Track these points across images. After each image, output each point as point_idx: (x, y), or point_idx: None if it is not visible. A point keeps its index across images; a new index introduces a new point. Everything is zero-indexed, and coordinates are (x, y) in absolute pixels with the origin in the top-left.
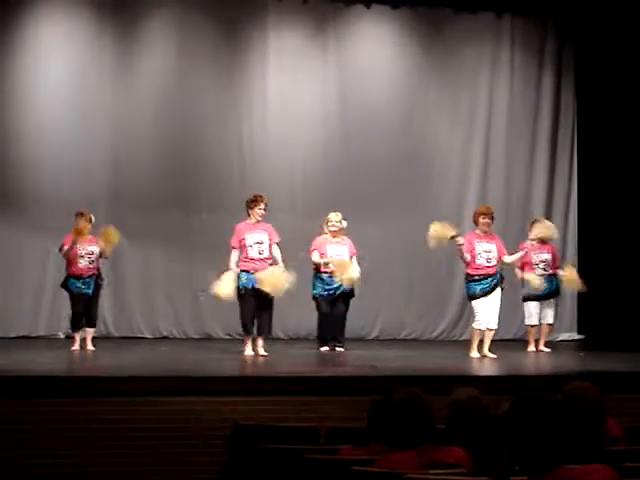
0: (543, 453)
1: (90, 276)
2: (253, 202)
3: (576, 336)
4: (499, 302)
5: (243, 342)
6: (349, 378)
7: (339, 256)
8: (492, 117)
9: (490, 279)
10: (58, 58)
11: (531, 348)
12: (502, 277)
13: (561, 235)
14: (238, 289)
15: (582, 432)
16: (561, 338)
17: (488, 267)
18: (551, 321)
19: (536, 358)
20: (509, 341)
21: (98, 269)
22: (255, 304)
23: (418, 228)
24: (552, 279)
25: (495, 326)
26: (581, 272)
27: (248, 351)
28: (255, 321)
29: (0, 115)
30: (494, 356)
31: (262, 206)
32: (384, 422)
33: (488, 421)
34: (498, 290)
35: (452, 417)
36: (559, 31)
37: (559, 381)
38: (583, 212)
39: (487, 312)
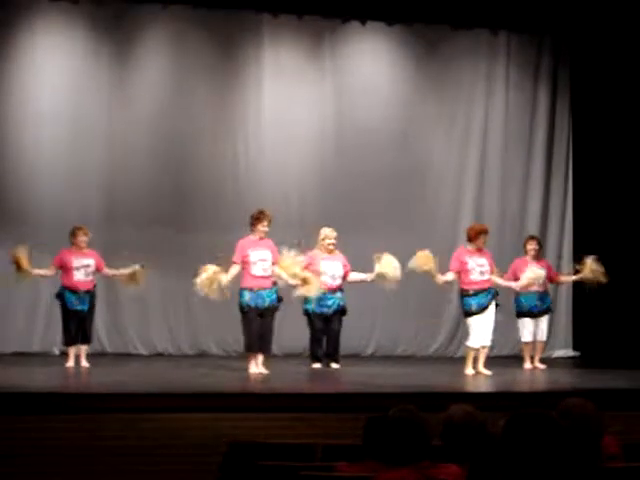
0: (539, 471)
1: (86, 292)
2: (257, 219)
3: (571, 353)
4: (493, 319)
5: (247, 360)
6: (345, 395)
7: (333, 273)
8: (487, 133)
9: (486, 294)
10: (53, 74)
11: (527, 365)
12: (497, 292)
13: (556, 251)
14: (242, 307)
15: (579, 449)
16: (556, 355)
17: (483, 281)
18: (544, 338)
19: (531, 375)
20: (504, 358)
21: (94, 284)
22: (259, 322)
23: (413, 244)
24: (545, 296)
25: (489, 343)
26: (576, 289)
27: (253, 369)
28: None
29: None
30: (489, 373)
31: (265, 223)
32: (379, 439)
33: (484, 438)
34: (492, 307)
35: (447, 434)
36: (555, 48)
37: (555, 398)
38: (578, 228)
39: (482, 330)
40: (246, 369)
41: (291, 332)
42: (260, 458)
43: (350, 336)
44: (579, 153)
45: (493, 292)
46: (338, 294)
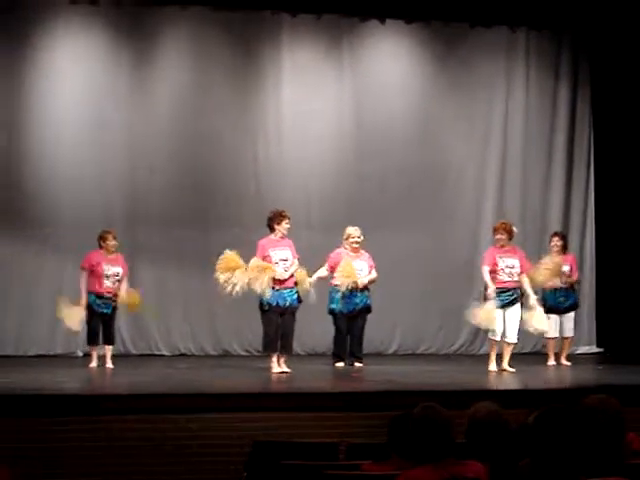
0: (565, 466)
1: (112, 296)
2: (279, 217)
3: (595, 349)
4: (519, 317)
5: (269, 359)
6: (369, 394)
7: (359, 271)
8: (508, 131)
9: (510, 293)
10: (74, 76)
11: (551, 362)
12: (522, 293)
13: (578, 248)
14: (262, 306)
15: (602, 445)
16: (580, 351)
17: (509, 282)
18: (570, 334)
19: (555, 372)
20: (528, 354)
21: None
22: (279, 322)
23: (435, 242)
24: (570, 292)
25: (514, 340)
26: (599, 285)
27: (275, 368)
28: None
29: (17, 134)
30: (513, 370)
31: (287, 221)
32: (404, 437)
33: (508, 435)
34: (518, 305)
35: (472, 431)
36: (574, 45)
37: (578, 395)
38: (600, 225)
39: (502, 323)
40: (268, 369)
41: (314, 331)
42: (285, 457)
43: (373, 334)
44: (600, 150)
45: (518, 292)
46: (365, 292)
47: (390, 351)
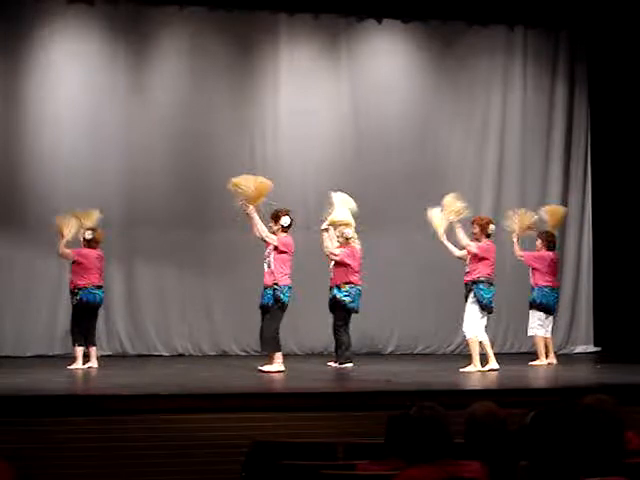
0: (564, 465)
1: (72, 290)
2: (276, 216)
3: (592, 348)
4: (470, 311)
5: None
6: (366, 393)
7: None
8: (505, 130)
9: (465, 288)
10: (71, 76)
11: (543, 360)
12: (469, 289)
13: (576, 247)
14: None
15: (601, 445)
16: (578, 350)
17: (464, 274)
18: (529, 333)
19: (551, 371)
20: (524, 354)
21: (74, 286)
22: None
23: (432, 242)
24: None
25: (468, 335)
26: (596, 284)
27: (264, 367)
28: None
29: (14, 134)
30: (483, 369)
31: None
32: (401, 437)
33: (506, 435)
34: (468, 301)
35: (470, 431)
36: (571, 43)
37: (576, 394)
38: (597, 222)
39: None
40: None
41: (313, 331)
42: (283, 457)
43: (371, 334)
44: (598, 148)
45: (467, 287)
46: (334, 291)
47: (387, 351)
